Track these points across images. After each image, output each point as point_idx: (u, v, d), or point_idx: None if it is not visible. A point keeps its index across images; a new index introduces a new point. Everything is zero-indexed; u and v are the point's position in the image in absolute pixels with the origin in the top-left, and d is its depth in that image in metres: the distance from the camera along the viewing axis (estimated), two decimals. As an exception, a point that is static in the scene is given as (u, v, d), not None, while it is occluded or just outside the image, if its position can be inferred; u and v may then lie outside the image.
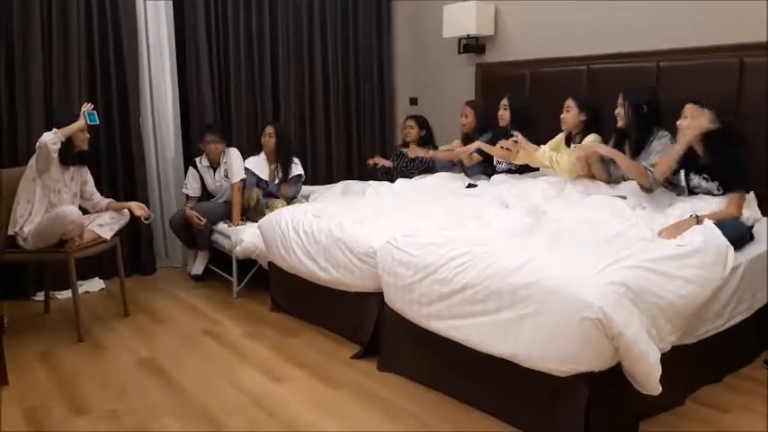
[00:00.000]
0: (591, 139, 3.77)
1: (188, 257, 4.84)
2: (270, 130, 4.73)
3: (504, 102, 4.33)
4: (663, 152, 3.37)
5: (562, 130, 4.00)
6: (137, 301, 4.16)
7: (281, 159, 4.73)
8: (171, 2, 4.80)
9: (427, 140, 5.06)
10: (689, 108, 3.22)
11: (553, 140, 4.02)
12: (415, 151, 4.81)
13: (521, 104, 4.31)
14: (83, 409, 2.77)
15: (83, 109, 3.66)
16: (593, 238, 2.86)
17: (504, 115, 4.32)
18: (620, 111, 3.56)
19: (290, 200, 4.61)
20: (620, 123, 3.57)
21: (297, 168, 4.76)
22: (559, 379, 2.33)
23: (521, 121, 4.23)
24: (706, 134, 3.17)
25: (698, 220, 2.96)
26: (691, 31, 3.82)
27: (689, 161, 3.28)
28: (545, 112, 4.14)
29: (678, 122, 3.25)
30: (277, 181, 4.71)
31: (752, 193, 3.24)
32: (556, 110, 3.99)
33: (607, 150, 3.53)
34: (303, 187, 4.96)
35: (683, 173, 3.36)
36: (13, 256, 3.56)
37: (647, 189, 3.44)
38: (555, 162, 3.84)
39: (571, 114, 3.89)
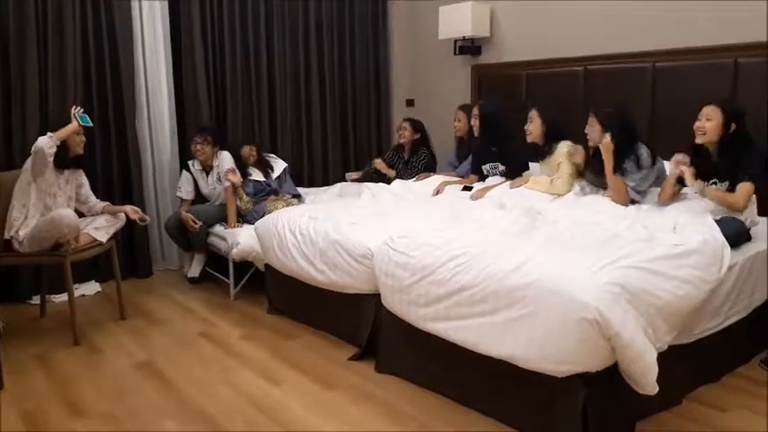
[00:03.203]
0: (563, 145, 3.77)
1: (184, 260, 4.83)
2: (252, 151, 4.80)
3: (475, 111, 4.33)
4: (650, 172, 3.40)
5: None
6: (133, 303, 4.15)
7: (262, 164, 4.82)
8: (167, 4, 4.79)
9: (422, 143, 5.06)
10: (708, 110, 3.18)
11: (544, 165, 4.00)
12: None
13: (492, 112, 4.28)
14: (80, 412, 2.76)
15: (73, 112, 3.64)
16: (590, 238, 2.86)
17: (475, 124, 4.32)
18: (588, 130, 3.55)
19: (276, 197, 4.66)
20: (591, 144, 3.57)
21: (279, 164, 4.86)
22: (556, 379, 2.33)
23: (490, 127, 4.24)
24: (723, 138, 3.15)
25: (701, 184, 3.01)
26: (687, 31, 3.84)
27: (698, 168, 3.24)
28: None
29: (696, 125, 3.21)
30: (274, 177, 4.80)
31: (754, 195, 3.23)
32: (553, 111, 4.00)
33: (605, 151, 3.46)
34: (299, 189, 4.96)
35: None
36: (9, 259, 3.55)
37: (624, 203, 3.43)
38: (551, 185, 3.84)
39: (534, 125, 3.90)
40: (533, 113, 3.93)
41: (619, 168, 3.44)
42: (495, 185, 4.12)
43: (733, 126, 3.12)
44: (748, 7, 3.56)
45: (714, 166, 3.21)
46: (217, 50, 5.05)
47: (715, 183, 3.20)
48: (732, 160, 3.14)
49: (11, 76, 4.14)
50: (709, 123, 3.17)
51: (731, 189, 3.14)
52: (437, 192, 4.38)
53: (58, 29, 4.25)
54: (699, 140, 3.22)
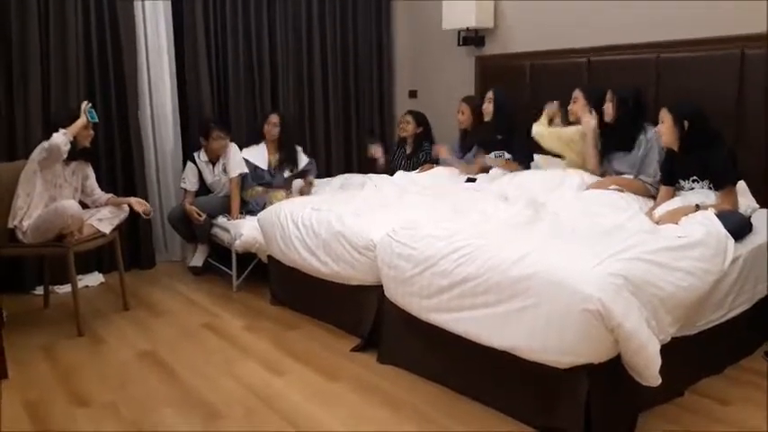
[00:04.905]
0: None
1: (187, 251, 4.83)
2: (275, 119, 4.75)
3: (489, 95, 4.38)
4: (649, 150, 3.51)
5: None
6: (136, 295, 4.16)
7: (284, 149, 4.77)
8: (170, 3, 4.78)
9: (424, 137, 5.04)
10: (660, 114, 3.25)
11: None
12: (441, 152, 4.76)
13: (504, 99, 4.33)
14: (84, 402, 2.77)
15: (83, 107, 3.64)
16: (593, 230, 2.86)
17: (488, 108, 4.35)
18: (607, 106, 3.66)
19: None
20: (608, 119, 3.67)
21: (303, 157, 4.85)
22: (559, 371, 2.33)
23: (503, 116, 4.29)
24: (681, 138, 3.16)
25: (697, 207, 2.97)
26: (692, 22, 3.81)
27: (676, 167, 3.28)
28: (545, 104, 4.14)
29: (655, 129, 3.29)
30: (287, 174, 4.76)
31: (743, 182, 3.24)
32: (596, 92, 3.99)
33: (614, 181, 3.61)
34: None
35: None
36: (13, 249, 3.56)
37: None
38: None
39: (579, 105, 3.90)
40: (577, 93, 3.94)
41: (626, 148, 3.61)
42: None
43: (686, 123, 3.13)
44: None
45: (685, 167, 3.23)
46: (219, 41, 5.03)
47: (696, 180, 3.20)
48: (696, 156, 3.15)
49: (13, 67, 4.12)
50: (662, 126, 3.23)
51: (713, 187, 3.14)
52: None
53: (60, 21, 4.23)
54: (662, 143, 3.32)
